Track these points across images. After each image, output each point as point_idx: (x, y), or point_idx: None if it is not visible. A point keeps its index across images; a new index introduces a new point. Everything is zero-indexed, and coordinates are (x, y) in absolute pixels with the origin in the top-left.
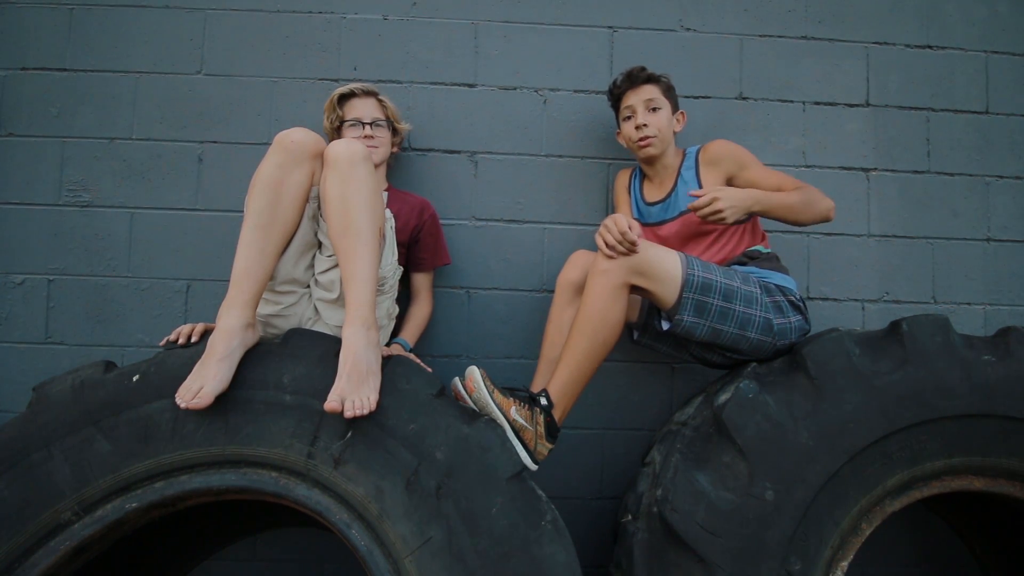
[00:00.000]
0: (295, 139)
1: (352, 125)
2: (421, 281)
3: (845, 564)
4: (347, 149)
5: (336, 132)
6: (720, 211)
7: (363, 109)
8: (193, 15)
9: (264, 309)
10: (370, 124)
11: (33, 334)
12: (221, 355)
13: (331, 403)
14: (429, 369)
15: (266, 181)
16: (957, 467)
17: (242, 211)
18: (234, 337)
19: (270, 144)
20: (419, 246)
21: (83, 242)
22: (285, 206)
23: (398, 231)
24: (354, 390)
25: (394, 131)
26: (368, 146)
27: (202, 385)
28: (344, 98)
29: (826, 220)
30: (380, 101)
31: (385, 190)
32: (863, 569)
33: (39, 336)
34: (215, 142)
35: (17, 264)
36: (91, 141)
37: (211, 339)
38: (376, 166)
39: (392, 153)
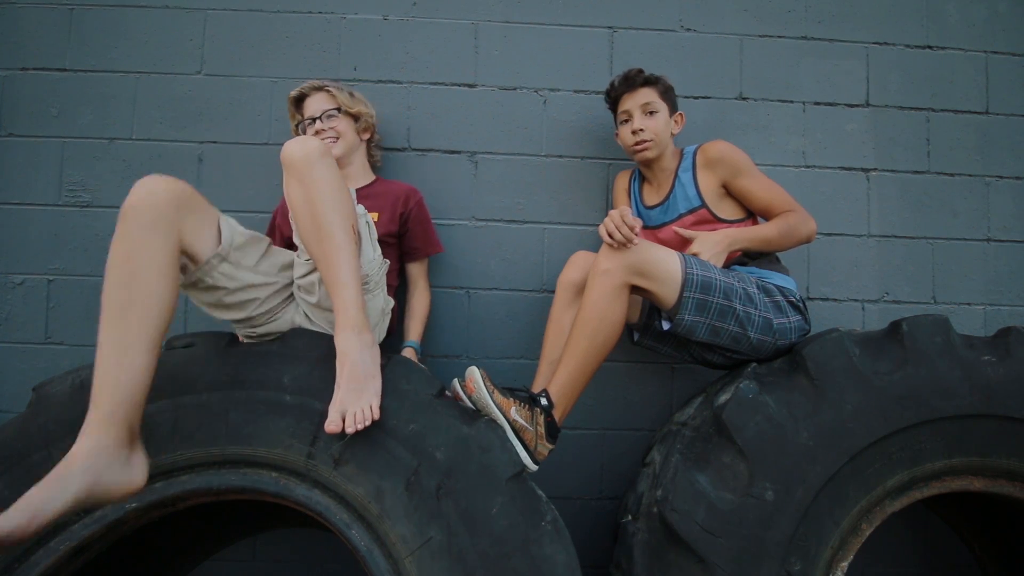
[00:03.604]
0: (139, 199)
1: (309, 124)
2: (416, 270)
3: (845, 564)
4: (301, 148)
5: (303, 134)
6: (697, 254)
7: (314, 105)
8: (193, 15)
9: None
10: (320, 117)
11: (33, 334)
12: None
13: (331, 425)
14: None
15: (113, 257)
16: (957, 467)
17: (241, 212)
18: (79, 463)
19: (270, 144)
20: (409, 235)
21: (83, 242)
22: (144, 281)
23: (386, 222)
24: (355, 399)
25: (356, 119)
26: (327, 139)
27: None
28: (299, 101)
29: (808, 242)
30: (329, 92)
31: (372, 182)
32: (863, 569)
33: (39, 336)
34: (215, 142)
35: (17, 264)
36: (91, 141)
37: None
38: (340, 158)
39: (365, 141)
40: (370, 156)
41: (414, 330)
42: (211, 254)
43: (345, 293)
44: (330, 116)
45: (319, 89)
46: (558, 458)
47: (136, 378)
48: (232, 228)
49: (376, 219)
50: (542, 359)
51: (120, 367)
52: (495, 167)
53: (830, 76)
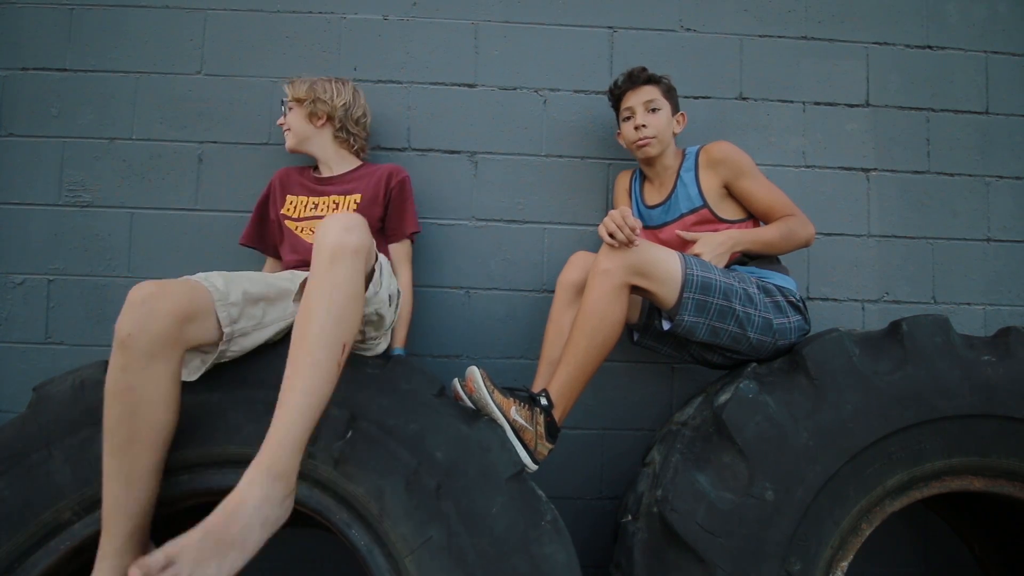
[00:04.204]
0: (136, 325)
1: None
2: (397, 253)
3: (845, 564)
4: (336, 238)
5: None
6: (699, 255)
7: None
8: (193, 15)
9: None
10: (283, 112)
11: (33, 334)
12: None
13: (134, 569)
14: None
15: (111, 391)
16: (957, 467)
17: (241, 212)
18: None
19: (270, 144)
20: (388, 216)
21: (83, 242)
22: (146, 414)
23: (368, 203)
24: (200, 560)
25: (301, 104)
26: (286, 131)
27: None
28: None
29: (806, 246)
30: (287, 85)
31: (355, 168)
32: (863, 569)
33: (39, 336)
34: (215, 142)
35: (17, 264)
36: (91, 141)
37: None
38: (293, 150)
39: (326, 127)
40: (344, 142)
41: (399, 335)
42: (214, 338)
43: (289, 421)
44: (286, 111)
45: (291, 83)
46: (558, 458)
47: (145, 505)
48: (227, 305)
49: (359, 200)
50: (542, 359)
51: (129, 498)
52: (495, 167)
53: (830, 76)
